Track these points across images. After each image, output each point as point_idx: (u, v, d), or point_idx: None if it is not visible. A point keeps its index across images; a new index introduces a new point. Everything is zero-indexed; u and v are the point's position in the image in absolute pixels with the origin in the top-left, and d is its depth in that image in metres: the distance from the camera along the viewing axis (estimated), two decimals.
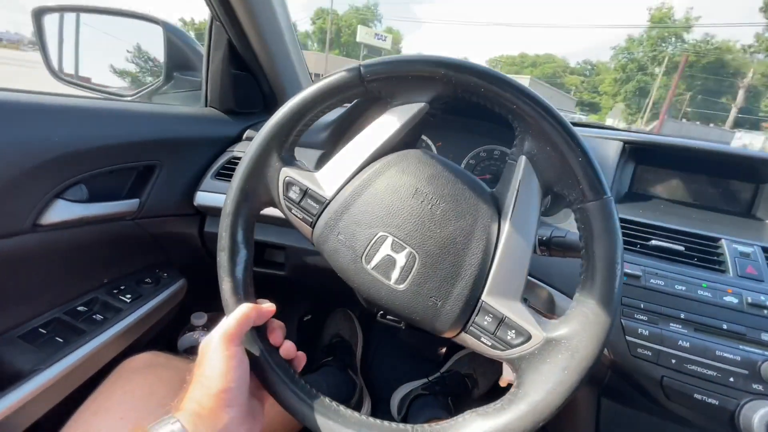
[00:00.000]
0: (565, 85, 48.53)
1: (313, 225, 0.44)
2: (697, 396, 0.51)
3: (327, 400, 0.42)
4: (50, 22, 0.87)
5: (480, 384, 1.08)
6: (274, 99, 0.97)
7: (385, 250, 0.40)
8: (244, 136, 0.91)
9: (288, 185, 0.44)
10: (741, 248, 0.60)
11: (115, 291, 0.74)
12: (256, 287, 0.47)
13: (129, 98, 0.96)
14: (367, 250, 0.41)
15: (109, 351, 0.68)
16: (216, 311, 1.03)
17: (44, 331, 0.63)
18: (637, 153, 0.78)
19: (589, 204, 0.37)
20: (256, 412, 0.43)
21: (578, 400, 0.71)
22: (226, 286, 0.44)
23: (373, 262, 0.40)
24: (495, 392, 0.41)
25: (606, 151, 0.75)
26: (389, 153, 0.44)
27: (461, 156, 0.91)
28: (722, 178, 0.80)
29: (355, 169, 0.43)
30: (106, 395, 0.52)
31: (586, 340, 0.36)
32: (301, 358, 0.47)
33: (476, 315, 0.39)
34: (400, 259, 0.40)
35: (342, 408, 0.42)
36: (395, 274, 0.40)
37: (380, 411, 1.09)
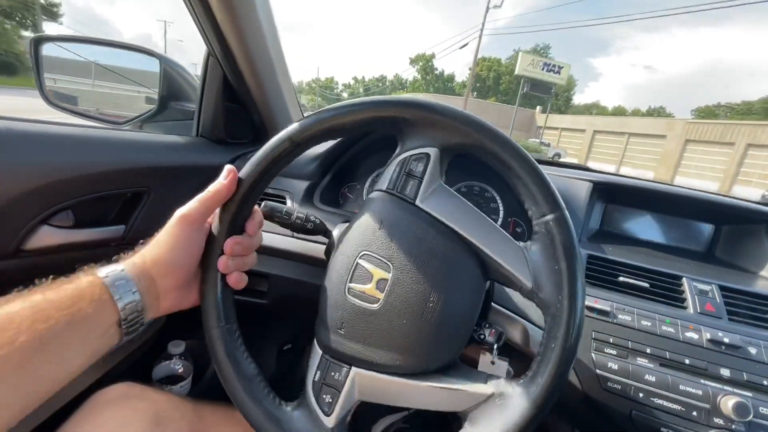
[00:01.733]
0: None
1: (407, 197, 0.45)
2: (664, 430, 0.53)
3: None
4: (48, 50, 0.90)
5: (460, 417, 1.07)
6: (264, 130, 1.00)
7: (374, 272, 0.44)
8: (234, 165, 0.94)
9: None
10: (700, 286, 0.64)
11: None
12: (236, 314, 0.49)
13: (121, 126, 0.98)
14: (370, 253, 0.44)
15: (81, 381, 0.66)
16: (195, 339, 1.01)
17: None
18: (606, 193, 0.84)
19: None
20: (193, 287, 0.47)
21: (555, 431, 0.72)
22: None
23: (363, 261, 0.44)
24: None
25: (576, 191, 0.80)
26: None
27: None
28: (686, 219, 0.85)
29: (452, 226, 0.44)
30: (77, 429, 0.51)
31: None
32: (238, 279, 0.49)
33: (337, 366, 0.45)
34: (372, 285, 0.44)
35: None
36: (356, 284, 0.44)
37: None
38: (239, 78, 0.85)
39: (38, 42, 0.90)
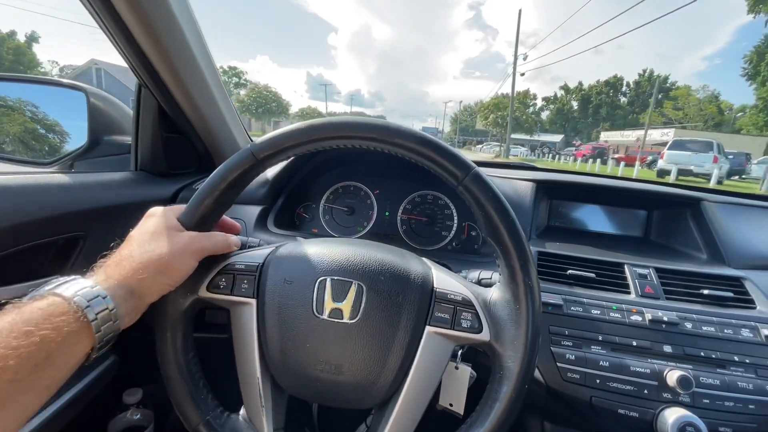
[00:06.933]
0: None
1: None
2: (621, 411, 0.56)
3: None
4: None
5: None
6: (209, 158, 0.97)
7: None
8: (179, 197, 0.90)
9: None
10: (639, 270, 0.69)
11: None
12: (198, 355, 0.50)
13: (48, 166, 0.91)
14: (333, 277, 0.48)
15: None
16: (152, 384, 0.95)
17: None
18: (549, 190, 0.88)
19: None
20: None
21: (525, 426, 0.74)
22: None
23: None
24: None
25: (521, 191, 0.84)
26: None
27: (398, 201, 0.96)
28: (623, 208, 0.92)
29: None
30: None
31: None
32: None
33: None
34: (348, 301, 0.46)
35: None
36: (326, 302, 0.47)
37: None
38: (175, 108, 0.82)
39: None
